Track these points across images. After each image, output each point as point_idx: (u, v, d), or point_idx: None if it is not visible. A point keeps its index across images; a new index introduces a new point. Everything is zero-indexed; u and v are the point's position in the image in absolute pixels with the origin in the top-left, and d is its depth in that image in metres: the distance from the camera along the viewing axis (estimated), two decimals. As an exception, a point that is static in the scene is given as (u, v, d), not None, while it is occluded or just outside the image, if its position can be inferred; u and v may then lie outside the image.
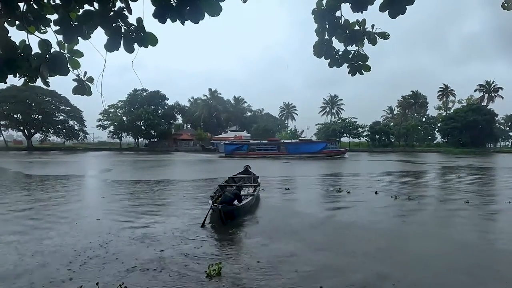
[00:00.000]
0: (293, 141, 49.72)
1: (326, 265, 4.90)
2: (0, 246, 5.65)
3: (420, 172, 22.04)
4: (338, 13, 2.64)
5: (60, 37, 2.22)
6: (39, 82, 2.26)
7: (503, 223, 7.95)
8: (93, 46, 2.35)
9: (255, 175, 13.46)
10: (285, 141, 48.85)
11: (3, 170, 20.82)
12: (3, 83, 2.12)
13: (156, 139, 68.81)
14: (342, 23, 2.66)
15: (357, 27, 2.70)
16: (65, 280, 4.28)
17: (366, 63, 2.83)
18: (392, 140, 69.70)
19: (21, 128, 60.22)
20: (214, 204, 7.47)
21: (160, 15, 2.17)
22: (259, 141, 46.97)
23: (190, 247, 5.65)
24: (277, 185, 13.82)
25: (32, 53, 2.15)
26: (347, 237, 6.55)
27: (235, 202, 7.75)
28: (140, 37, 2.26)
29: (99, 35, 2.28)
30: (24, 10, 2.12)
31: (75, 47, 2.33)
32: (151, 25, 2.35)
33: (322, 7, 2.62)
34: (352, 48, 2.79)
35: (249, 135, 69.32)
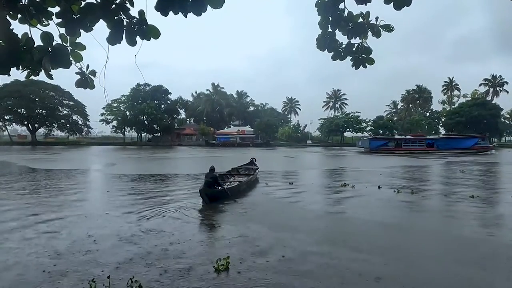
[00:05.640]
0: (441, 136, 47.89)
1: (329, 259, 4.92)
2: (23, 243, 5.71)
3: (424, 167, 21.96)
4: (341, 5, 2.60)
5: (62, 30, 2.22)
6: (42, 76, 2.27)
7: (508, 217, 7.91)
8: (96, 40, 2.34)
9: (257, 166, 15.18)
10: (432, 136, 46.96)
11: (11, 164, 21.03)
12: (6, 75, 2.13)
13: (159, 134, 68.97)
14: (346, 15, 2.63)
15: (360, 20, 2.66)
16: (75, 272, 4.35)
17: (370, 56, 2.80)
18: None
19: (25, 122, 60.62)
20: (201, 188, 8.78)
21: (162, 8, 2.16)
22: (405, 136, 45.85)
23: (197, 240, 5.70)
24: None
25: (35, 45, 2.15)
26: (352, 232, 6.57)
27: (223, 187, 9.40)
28: (142, 29, 2.25)
29: (102, 29, 2.27)
30: (26, 3, 2.12)
31: (78, 40, 2.32)
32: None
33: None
34: (356, 40, 2.76)
35: (252, 129, 69.33)
